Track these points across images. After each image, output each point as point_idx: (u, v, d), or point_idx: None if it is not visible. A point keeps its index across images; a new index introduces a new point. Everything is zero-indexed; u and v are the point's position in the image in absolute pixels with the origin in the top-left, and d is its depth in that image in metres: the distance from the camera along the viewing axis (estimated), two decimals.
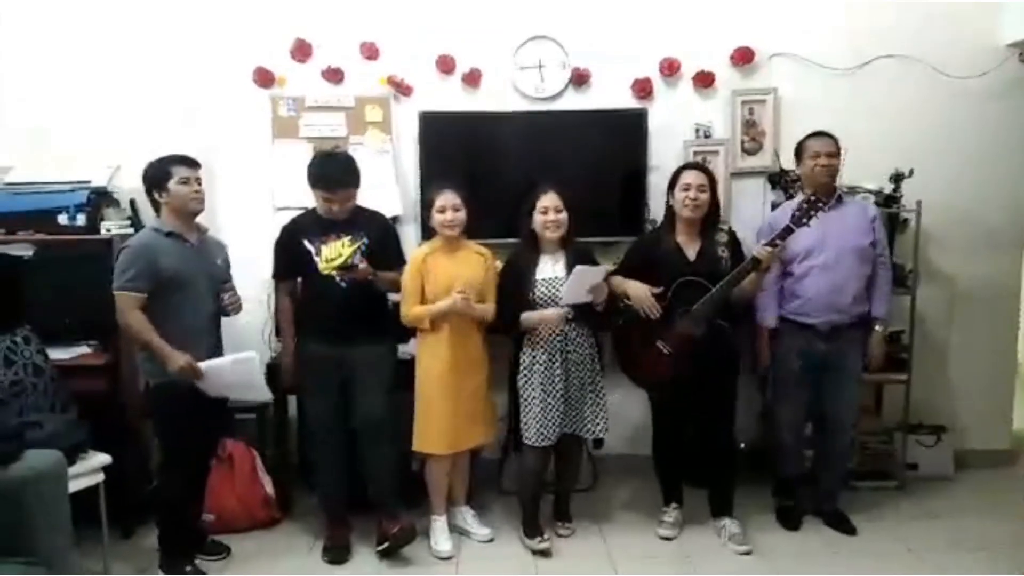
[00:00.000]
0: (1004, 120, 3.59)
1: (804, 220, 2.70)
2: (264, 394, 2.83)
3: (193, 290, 2.66)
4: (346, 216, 2.85)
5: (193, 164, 2.69)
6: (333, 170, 2.81)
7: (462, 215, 2.86)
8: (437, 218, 2.86)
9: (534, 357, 2.86)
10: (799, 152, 3.06)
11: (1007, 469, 3.71)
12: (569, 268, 2.85)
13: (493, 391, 3.05)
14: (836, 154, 2.97)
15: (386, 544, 2.86)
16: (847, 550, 2.95)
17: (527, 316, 2.83)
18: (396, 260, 2.98)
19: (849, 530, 3.06)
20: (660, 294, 2.82)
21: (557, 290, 2.84)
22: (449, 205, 2.84)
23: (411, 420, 2.94)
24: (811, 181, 3.01)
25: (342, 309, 2.82)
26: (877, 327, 3.04)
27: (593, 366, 2.92)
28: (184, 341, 2.60)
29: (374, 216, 2.98)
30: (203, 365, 2.59)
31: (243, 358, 2.68)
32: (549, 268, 2.88)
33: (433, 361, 2.89)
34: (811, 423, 3.21)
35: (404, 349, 3.16)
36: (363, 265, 2.78)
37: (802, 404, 3.10)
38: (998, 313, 3.73)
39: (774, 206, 3.42)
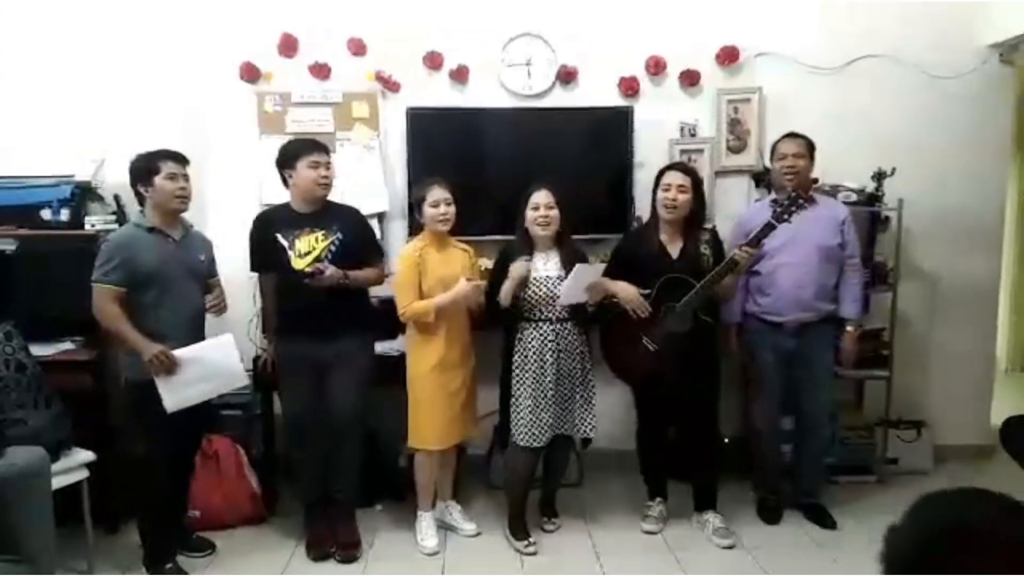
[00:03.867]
0: (985, 120, 3.64)
1: (786, 216, 2.72)
2: (241, 378, 2.78)
3: (173, 287, 2.64)
4: (319, 209, 2.83)
5: (181, 160, 2.67)
6: (310, 139, 2.85)
7: (453, 209, 2.86)
8: (430, 212, 2.85)
9: (525, 356, 2.86)
10: (772, 153, 3.10)
11: (985, 464, 3.76)
12: (563, 267, 2.86)
13: (482, 387, 3.06)
14: (803, 155, 3.00)
15: (329, 555, 2.87)
16: (827, 543, 3.00)
17: (504, 289, 2.80)
18: (373, 253, 2.97)
19: (829, 524, 3.11)
20: (647, 294, 2.85)
21: (549, 289, 2.85)
22: (442, 199, 2.84)
23: (396, 417, 2.95)
24: (778, 182, 3.06)
25: (317, 305, 2.76)
26: (848, 327, 3.09)
27: (584, 365, 2.94)
28: (163, 339, 2.57)
29: (346, 210, 2.95)
30: (179, 353, 2.56)
31: (220, 341, 2.67)
32: (542, 267, 2.89)
33: (425, 358, 2.88)
34: (790, 419, 3.25)
35: (393, 346, 3.17)
36: (330, 271, 2.70)
37: (776, 399, 3.13)
38: (978, 310, 3.78)
39: None
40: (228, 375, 2.71)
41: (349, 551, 2.88)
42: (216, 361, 2.66)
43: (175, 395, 2.56)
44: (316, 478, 2.96)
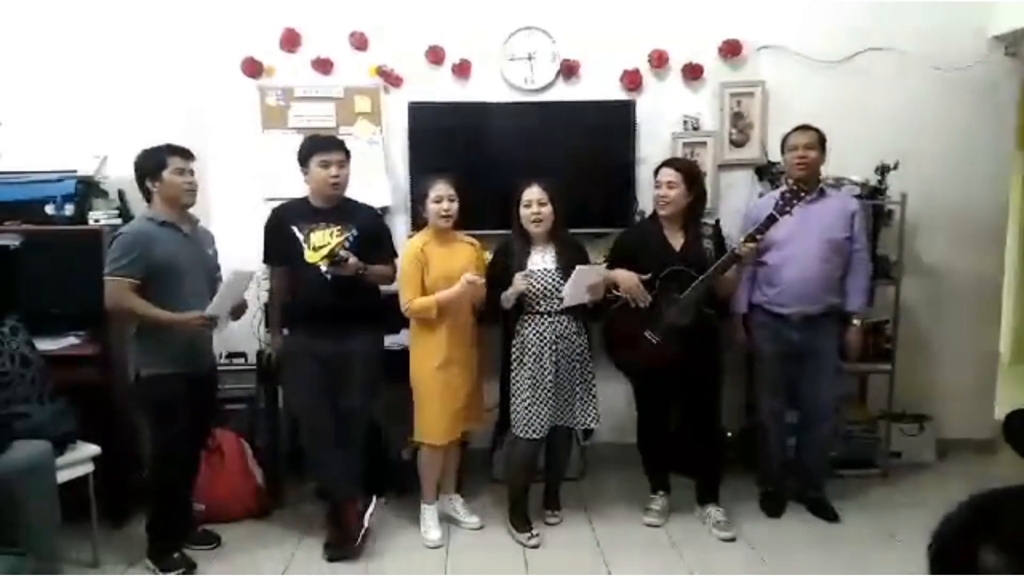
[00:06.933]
0: (990, 113, 3.63)
1: (787, 209, 2.73)
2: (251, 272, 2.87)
3: (188, 279, 2.66)
4: (336, 205, 2.84)
5: (187, 155, 2.68)
6: (327, 137, 2.85)
7: (456, 205, 2.87)
8: (432, 208, 2.86)
9: (524, 349, 2.88)
10: (782, 145, 3.09)
11: (988, 458, 3.77)
12: (557, 260, 2.87)
13: (484, 380, 3.07)
14: (814, 147, 2.99)
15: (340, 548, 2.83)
16: (830, 537, 3.00)
17: (504, 295, 2.83)
18: (388, 253, 2.97)
19: (832, 517, 3.10)
20: (648, 281, 2.85)
21: (547, 282, 2.85)
22: (445, 195, 2.85)
23: (399, 411, 2.95)
24: (788, 174, 3.05)
25: (329, 300, 2.79)
26: (854, 320, 3.09)
27: (583, 358, 2.94)
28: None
29: (364, 208, 2.97)
30: (211, 310, 2.60)
31: (234, 277, 2.71)
32: (539, 260, 2.90)
33: (428, 352, 2.89)
34: (795, 411, 3.25)
35: (396, 339, 3.17)
36: (352, 260, 2.72)
37: (781, 391, 3.13)
38: (981, 304, 3.78)
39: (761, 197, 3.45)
40: (246, 284, 2.81)
41: (333, 550, 2.84)
42: (237, 290, 2.76)
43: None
44: (335, 466, 2.87)
